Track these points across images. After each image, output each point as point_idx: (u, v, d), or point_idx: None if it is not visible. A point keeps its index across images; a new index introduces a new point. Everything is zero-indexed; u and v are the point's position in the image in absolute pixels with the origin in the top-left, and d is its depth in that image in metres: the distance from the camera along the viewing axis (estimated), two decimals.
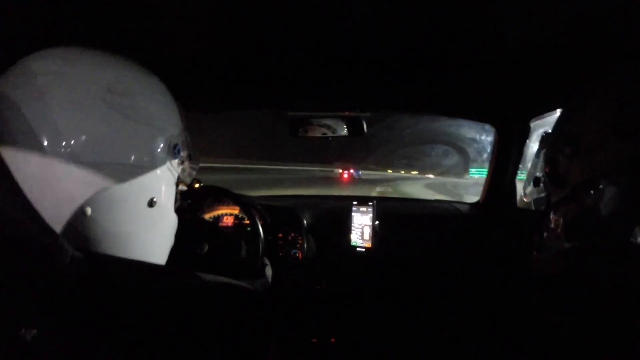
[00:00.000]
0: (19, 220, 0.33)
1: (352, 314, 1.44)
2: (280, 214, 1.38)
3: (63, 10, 0.66)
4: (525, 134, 1.26)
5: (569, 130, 0.54)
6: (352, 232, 1.38)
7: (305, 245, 1.34)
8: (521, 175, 1.33)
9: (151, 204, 0.46)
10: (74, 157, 0.38)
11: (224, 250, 1.00)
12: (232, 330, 0.39)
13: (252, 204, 1.18)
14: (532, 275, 0.58)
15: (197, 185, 0.60)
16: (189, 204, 1.14)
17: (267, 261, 1.03)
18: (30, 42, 0.43)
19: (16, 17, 0.66)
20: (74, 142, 0.38)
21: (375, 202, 1.37)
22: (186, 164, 0.53)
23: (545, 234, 0.55)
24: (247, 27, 0.75)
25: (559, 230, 0.52)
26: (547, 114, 1.14)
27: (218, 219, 1.31)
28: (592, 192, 0.45)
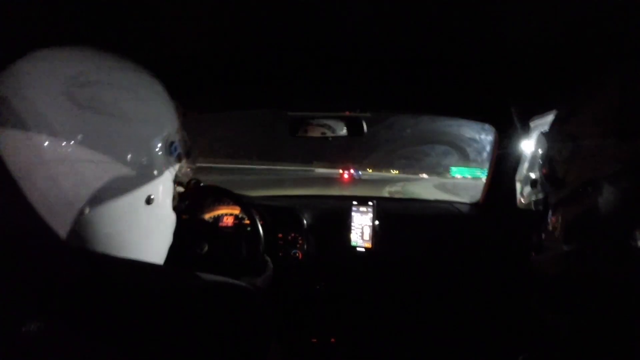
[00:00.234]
0: (18, 220, 0.33)
1: (352, 314, 1.44)
2: (280, 214, 1.39)
3: (63, 10, 0.66)
4: (525, 134, 1.26)
5: (569, 130, 0.53)
6: (352, 232, 1.38)
7: (305, 245, 1.34)
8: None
9: (149, 201, 0.46)
10: (70, 156, 0.38)
11: (224, 250, 1.01)
12: (232, 330, 0.39)
13: (252, 204, 1.18)
14: (532, 276, 0.58)
15: (194, 183, 0.60)
16: (189, 203, 1.15)
17: (267, 261, 1.03)
18: (30, 42, 0.43)
19: (16, 17, 0.66)
20: (68, 141, 0.38)
21: (375, 202, 1.37)
22: (183, 162, 0.53)
23: (544, 235, 0.55)
24: (247, 27, 0.76)
25: (558, 232, 0.52)
26: (547, 113, 1.14)
27: (218, 219, 1.31)
28: (591, 193, 0.45)
